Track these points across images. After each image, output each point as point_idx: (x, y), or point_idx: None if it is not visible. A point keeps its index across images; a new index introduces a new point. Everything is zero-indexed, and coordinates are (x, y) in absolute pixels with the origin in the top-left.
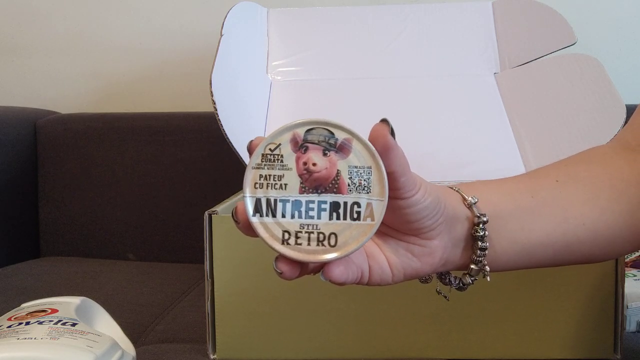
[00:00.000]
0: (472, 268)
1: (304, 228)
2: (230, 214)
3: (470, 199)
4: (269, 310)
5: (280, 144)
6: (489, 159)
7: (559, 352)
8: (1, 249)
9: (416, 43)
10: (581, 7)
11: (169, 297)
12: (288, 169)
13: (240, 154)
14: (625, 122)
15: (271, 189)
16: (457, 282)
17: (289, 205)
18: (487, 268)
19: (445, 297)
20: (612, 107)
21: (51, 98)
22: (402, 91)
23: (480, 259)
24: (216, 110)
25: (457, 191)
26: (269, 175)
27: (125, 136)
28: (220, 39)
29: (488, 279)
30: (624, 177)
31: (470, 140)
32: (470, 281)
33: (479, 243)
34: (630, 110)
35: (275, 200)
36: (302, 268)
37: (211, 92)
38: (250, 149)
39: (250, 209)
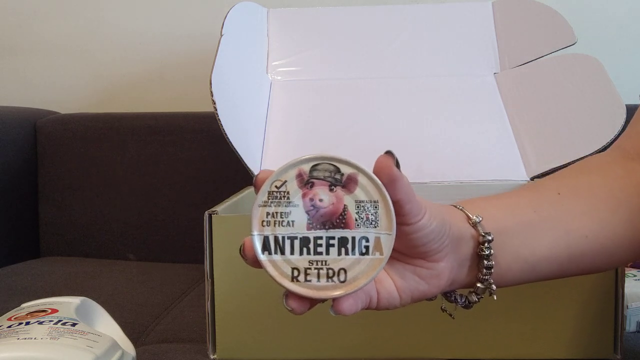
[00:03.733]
0: (478, 286)
1: (313, 264)
2: (238, 250)
3: (474, 217)
4: (269, 310)
5: (286, 181)
6: (489, 159)
7: (559, 352)
8: (1, 249)
9: (416, 43)
10: (581, 7)
11: (169, 297)
12: (295, 206)
13: (240, 154)
14: (625, 123)
15: (279, 226)
16: (463, 300)
17: (297, 242)
18: (494, 286)
19: (451, 315)
20: (612, 107)
21: (51, 98)
22: (402, 91)
23: (486, 277)
24: (216, 110)
25: (460, 210)
26: (276, 213)
27: (125, 136)
28: (220, 39)
29: (494, 297)
30: (623, 187)
31: (470, 140)
32: (477, 299)
33: (485, 262)
34: (630, 110)
35: (283, 238)
36: (312, 302)
37: (211, 92)
38: (256, 185)
39: (258, 247)
